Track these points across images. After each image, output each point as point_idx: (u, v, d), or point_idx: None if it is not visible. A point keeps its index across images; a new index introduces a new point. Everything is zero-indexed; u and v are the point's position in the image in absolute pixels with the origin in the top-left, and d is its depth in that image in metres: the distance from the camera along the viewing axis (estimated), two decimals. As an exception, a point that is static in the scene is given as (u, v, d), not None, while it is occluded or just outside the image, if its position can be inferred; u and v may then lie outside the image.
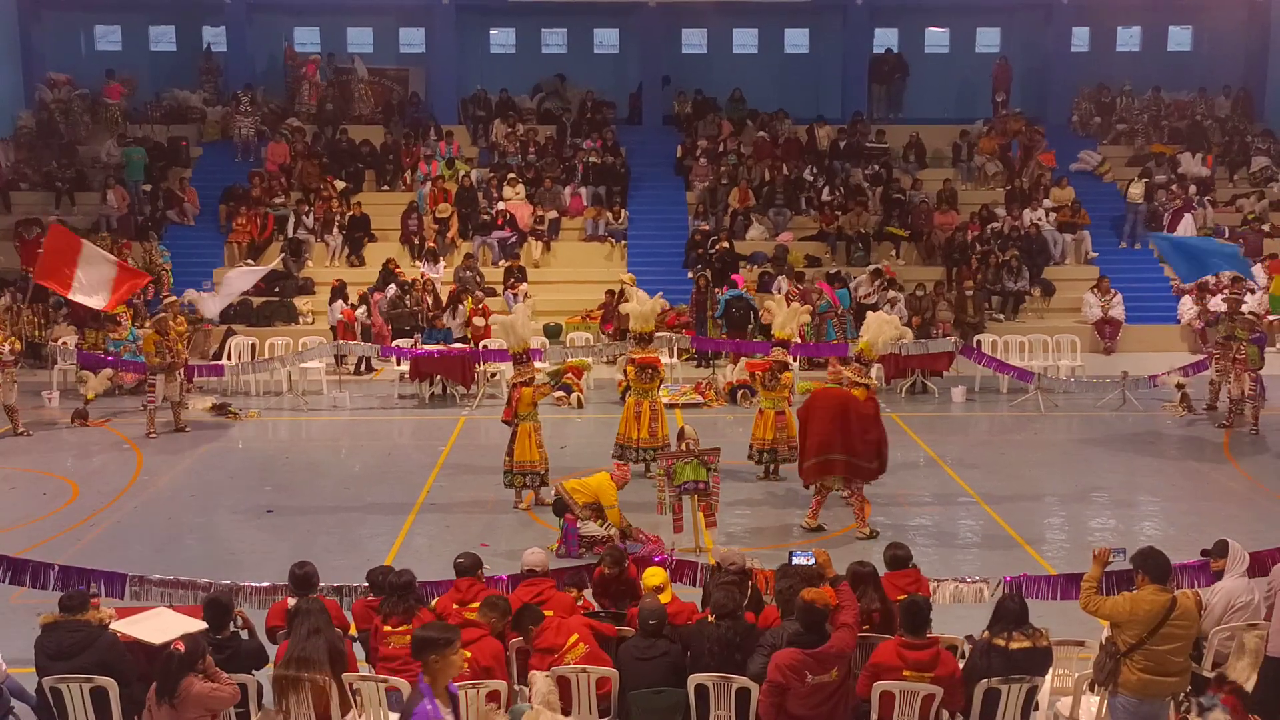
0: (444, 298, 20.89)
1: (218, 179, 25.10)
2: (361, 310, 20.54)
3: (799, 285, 20.93)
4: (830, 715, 6.79)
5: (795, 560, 7.43)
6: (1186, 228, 23.96)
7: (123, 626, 7.85)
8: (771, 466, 13.85)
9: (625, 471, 11.81)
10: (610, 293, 21.26)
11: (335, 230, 23.88)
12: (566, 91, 28.22)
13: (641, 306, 14.24)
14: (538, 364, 15.40)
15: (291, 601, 7.67)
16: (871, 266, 22.48)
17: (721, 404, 17.84)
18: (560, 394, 17.72)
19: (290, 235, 23.72)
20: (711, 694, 7.14)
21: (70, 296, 16.79)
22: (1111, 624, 7.22)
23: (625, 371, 14.23)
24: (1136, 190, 24.90)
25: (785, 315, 13.95)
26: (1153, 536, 11.69)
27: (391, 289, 20.91)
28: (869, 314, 13.78)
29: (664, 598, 7.96)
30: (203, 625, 7.43)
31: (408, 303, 20.79)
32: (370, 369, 20.26)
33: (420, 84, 28.11)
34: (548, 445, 12.90)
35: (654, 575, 8.18)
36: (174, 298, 18.62)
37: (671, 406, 17.51)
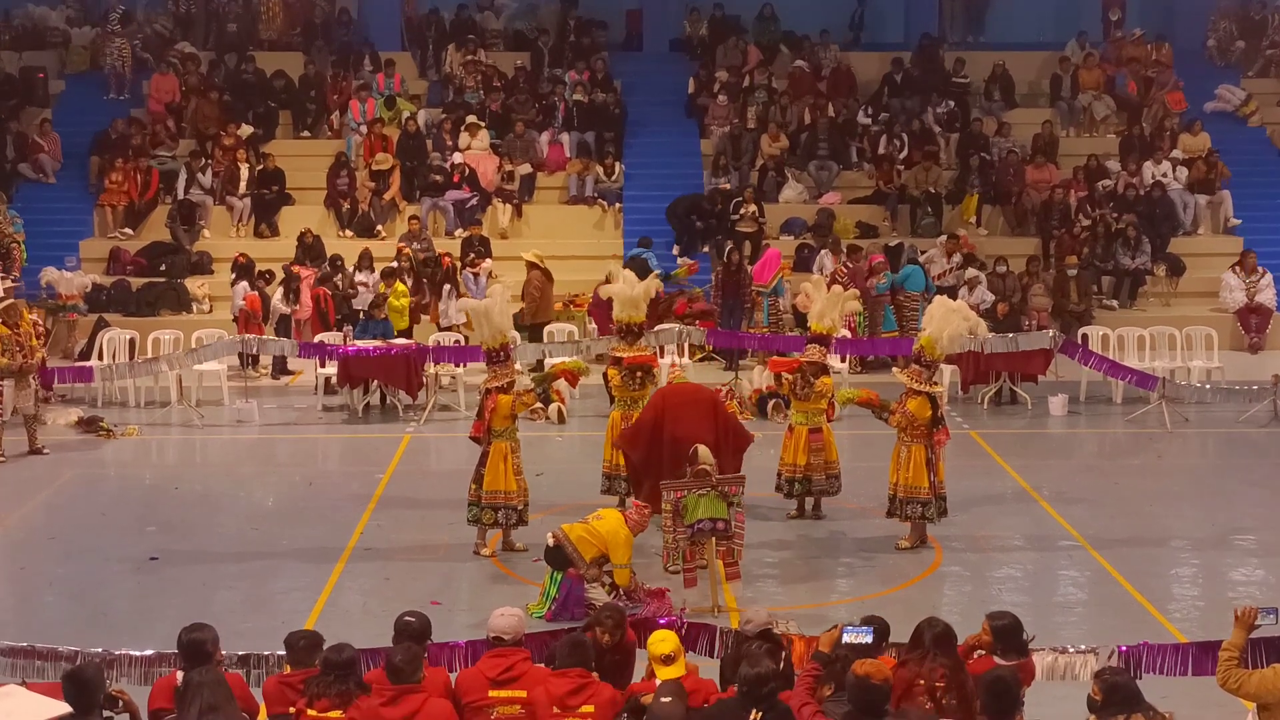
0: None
1: (86, 122, 25.08)
2: (278, 294, 20.50)
3: (848, 263, 20.91)
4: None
5: (847, 637, 7.44)
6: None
7: (-40, 710, 7.85)
8: (806, 500, 13.86)
9: (645, 515, 11.79)
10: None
11: (240, 189, 23.89)
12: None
13: (630, 289, 14.20)
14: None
15: (181, 676, 7.66)
16: (944, 235, 22.50)
17: (748, 417, 17.83)
18: (538, 405, 17.70)
19: (181, 196, 23.71)
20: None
21: None
22: (1259, 706, 7.24)
23: (607, 375, 14.22)
24: None
25: (825, 302, 13.95)
26: (1313, 592, 11.71)
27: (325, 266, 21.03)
28: (935, 299, 13.76)
29: (676, 670, 7.95)
30: (65, 709, 7.42)
31: (339, 284, 20.80)
32: (286, 372, 20.26)
33: (351, -2, 28.17)
34: (480, 389, 12.88)
35: (663, 641, 8.13)
36: (13, 282, 18.58)
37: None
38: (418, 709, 7.32)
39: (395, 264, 20.44)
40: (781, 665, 8.03)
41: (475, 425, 12.99)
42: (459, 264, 21.36)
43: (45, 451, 16.35)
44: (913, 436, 12.69)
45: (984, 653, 7.89)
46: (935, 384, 13.02)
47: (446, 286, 20.77)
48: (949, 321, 12.83)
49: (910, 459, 12.69)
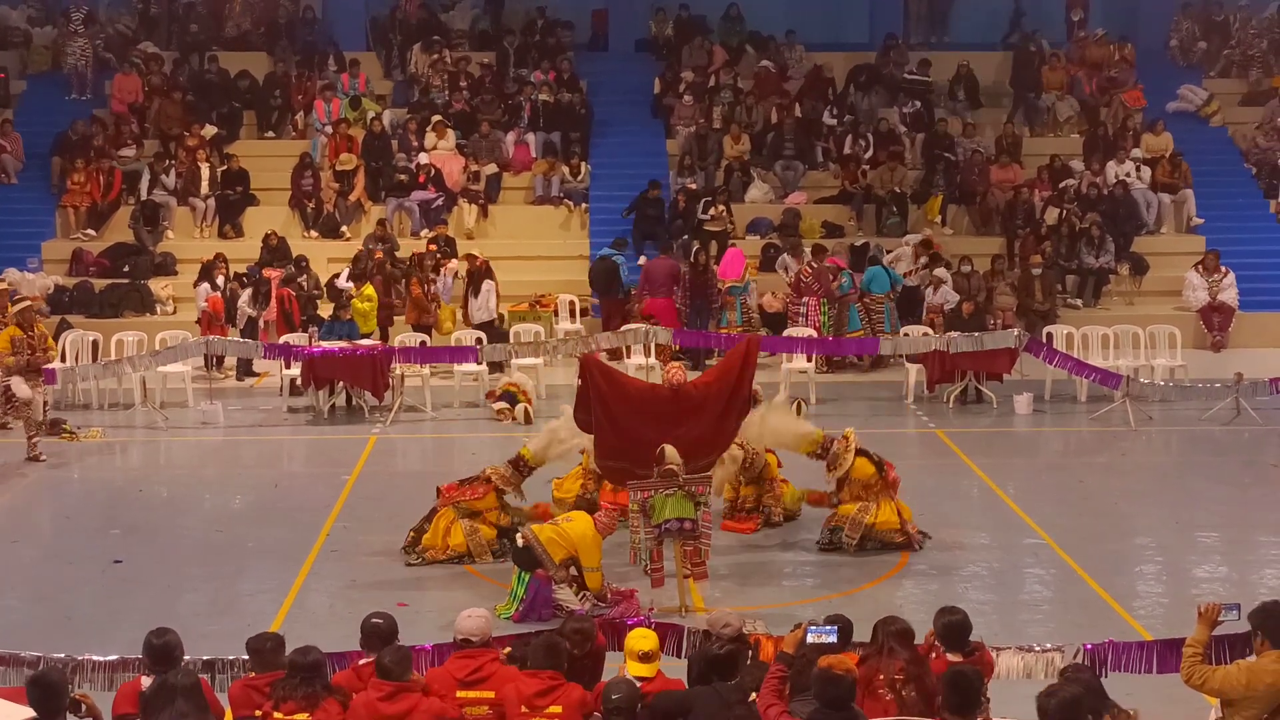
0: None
1: (48, 123, 24.95)
2: (245, 296, 20.40)
3: (813, 264, 20.89)
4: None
5: (811, 637, 7.45)
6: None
7: (-78, 716, 7.79)
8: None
9: (614, 519, 11.78)
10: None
11: (204, 190, 23.77)
12: None
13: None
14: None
15: (147, 681, 7.63)
16: (914, 236, 22.56)
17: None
18: (504, 405, 17.70)
19: (144, 197, 23.60)
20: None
21: None
22: (1223, 701, 7.30)
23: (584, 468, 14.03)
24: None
25: (722, 474, 13.06)
26: (1276, 588, 11.76)
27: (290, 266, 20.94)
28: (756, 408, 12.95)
29: (649, 669, 7.96)
30: (29, 713, 7.38)
31: (304, 284, 20.71)
32: (251, 373, 20.18)
33: (316, -3, 28.08)
34: (484, 471, 12.84)
35: (644, 639, 8.13)
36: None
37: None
38: (414, 706, 7.41)
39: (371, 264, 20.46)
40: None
41: (450, 486, 12.84)
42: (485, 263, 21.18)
43: (43, 459, 16.13)
44: (872, 495, 12.77)
45: (939, 652, 7.93)
46: (842, 462, 12.73)
47: (486, 283, 20.42)
48: (769, 425, 12.83)
49: (879, 510, 12.72)
